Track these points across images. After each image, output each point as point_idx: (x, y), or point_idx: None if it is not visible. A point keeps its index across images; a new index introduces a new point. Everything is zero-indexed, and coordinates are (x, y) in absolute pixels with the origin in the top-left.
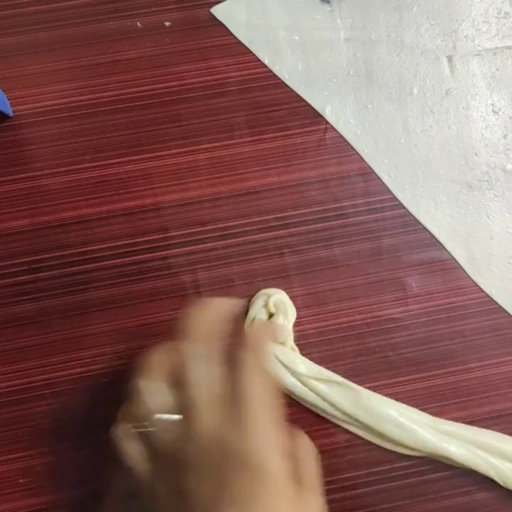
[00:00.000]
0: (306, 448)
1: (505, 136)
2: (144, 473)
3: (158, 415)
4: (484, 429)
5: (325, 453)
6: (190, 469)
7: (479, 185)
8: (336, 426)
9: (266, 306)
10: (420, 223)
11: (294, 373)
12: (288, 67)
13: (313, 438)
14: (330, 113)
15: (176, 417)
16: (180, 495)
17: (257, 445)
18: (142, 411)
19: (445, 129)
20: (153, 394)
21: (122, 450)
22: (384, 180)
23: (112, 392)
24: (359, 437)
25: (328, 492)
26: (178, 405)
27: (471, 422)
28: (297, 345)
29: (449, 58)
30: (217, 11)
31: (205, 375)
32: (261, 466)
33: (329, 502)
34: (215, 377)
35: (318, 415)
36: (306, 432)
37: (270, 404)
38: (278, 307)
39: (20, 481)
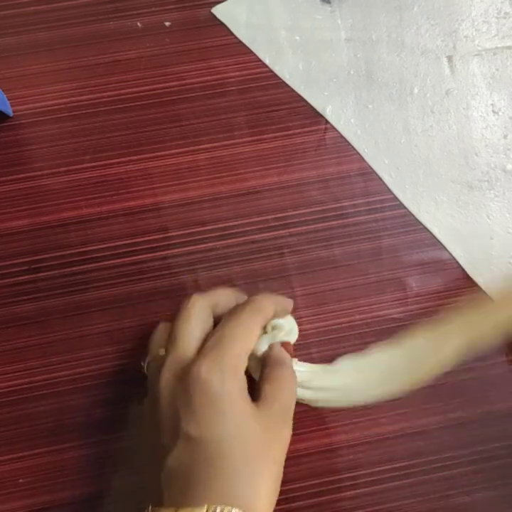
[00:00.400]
0: (288, 378)
1: (505, 136)
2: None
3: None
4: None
5: (325, 453)
6: (161, 389)
7: (480, 185)
8: (336, 426)
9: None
10: (420, 223)
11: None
12: (289, 67)
13: (313, 438)
14: (331, 113)
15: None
16: (155, 417)
17: (211, 367)
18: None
19: (445, 129)
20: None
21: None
22: (385, 180)
23: (112, 392)
24: (359, 437)
25: (328, 492)
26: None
27: (471, 422)
28: (297, 345)
29: (449, 58)
30: (218, 10)
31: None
32: (212, 385)
33: (329, 502)
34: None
35: (317, 415)
36: (306, 432)
37: (245, 342)
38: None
39: (20, 481)
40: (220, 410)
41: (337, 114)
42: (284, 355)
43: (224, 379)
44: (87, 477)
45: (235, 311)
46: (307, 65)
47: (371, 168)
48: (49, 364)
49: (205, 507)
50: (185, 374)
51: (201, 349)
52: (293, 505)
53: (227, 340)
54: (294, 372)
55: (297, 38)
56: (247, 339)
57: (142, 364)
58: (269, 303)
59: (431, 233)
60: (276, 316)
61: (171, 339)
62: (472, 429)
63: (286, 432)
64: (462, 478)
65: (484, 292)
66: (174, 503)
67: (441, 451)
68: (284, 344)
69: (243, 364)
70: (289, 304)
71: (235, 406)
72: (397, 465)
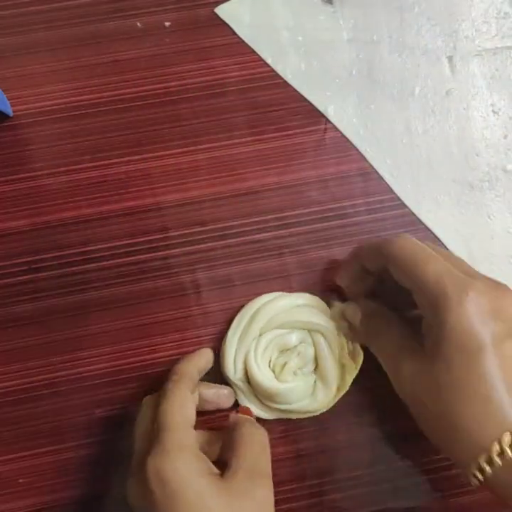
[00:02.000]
0: (248, 437)
1: (505, 136)
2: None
3: None
4: None
5: (325, 452)
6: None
7: (480, 185)
8: (335, 426)
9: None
10: (421, 223)
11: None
12: (291, 68)
13: (312, 438)
14: (333, 113)
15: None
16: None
17: (157, 459)
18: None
19: (446, 129)
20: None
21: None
22: (386, 180)
23: (112, 392)
24: (359, 438)
25: (329, 492)
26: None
27: None
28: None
29: (450, 59)
30: (221, 10)
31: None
32: (164, 475)
33: (330, 502)
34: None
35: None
36: (305, 432)
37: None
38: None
39: (20, 481)
40: (178, 498)
41: (339, 114)
42: (242, 418)
43: (174, 464)
44: (87, 477)
45: (161, 392)
46: (309, 65)
47: (372, 168)
48: (49, 364)
49: None
50: (139, 472)
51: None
52: (294, 505)
53: (161, 426)
54: (258, 430)
55: (300, 38)
56: (178, 413)
57: None
58: (188, 367)
59: (432, 233)
60: (202, 369)
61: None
62: None
63: (260, 493)
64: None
65: None
66: None
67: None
68: (241, 409)
69: (187, 438)
70: (206, 354)
71: (191, 488)
72: (398, 464)
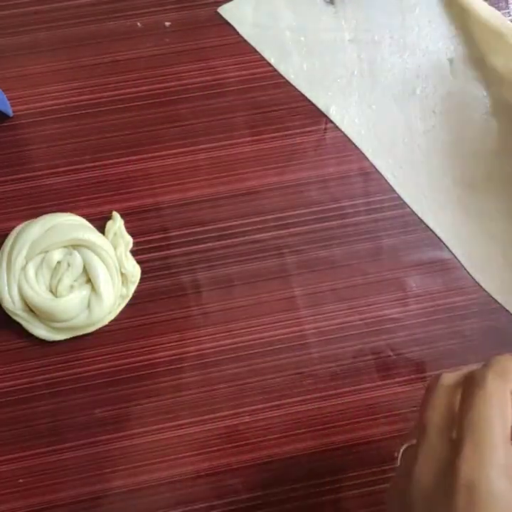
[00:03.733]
0: None
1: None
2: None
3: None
4: None
5: (326, 453)
6: (415, 489)
7: (481, 185)
8: (337, 426)
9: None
10: (421, 223)
11: None
12: (293, 68)
13: (312, 438)
14: (334, 113)
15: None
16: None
17: (484, 469)
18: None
19: (446, 130)
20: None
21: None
22: (388, 180)
23: (112, 392)
24: (359, 438)
25: (331, 492)
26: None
27: None
28: (297, 345)
29: (450, 60)
30: (224, 10)
31: (440, 398)
32: (488, 490)
33: (332, 502)
34: (449, 398)
35: (316, 416)
36: (304, 433)
37: (502, 427)
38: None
39: (20, 481)
40: None
41: (341, 114)
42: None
43: (491, 478)
44: (87, 477)
45: (476, 381)
46: (311, 65)
47: (373, 168)
48: (49, 364)
49: None
50: (446, 472)
51: (456, 438)
52: (294, 505)
53: (482, 427)
54: None
55: (302, 38)
56: (501, 420)
57: (396, 454)
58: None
59: (432, 232)
60: None
61: (420, 427)
62: None
63: None
64: None
65: (485, 290)
66: None
67: None
68: None
69: (504, 454)
70: None
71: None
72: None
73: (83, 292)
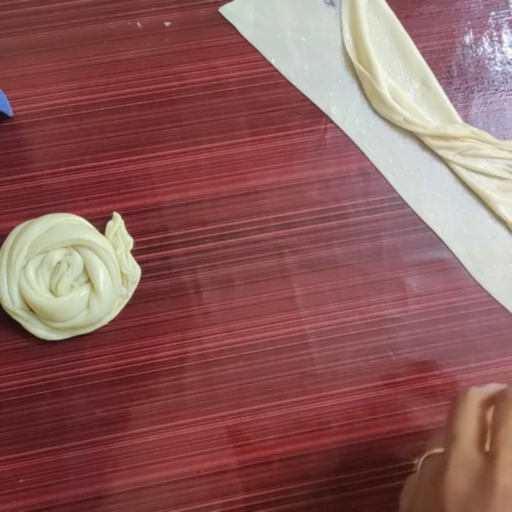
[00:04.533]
0: None
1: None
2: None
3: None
4: None
5: (326, 452)
6: (449, 494)
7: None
8: (337, 426)
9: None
10: (421, 223)
11: None
12: (294, 68)
13: (312, 438)
14: (335, 113)
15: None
16: None
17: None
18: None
19: None
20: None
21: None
22: (388, 180)
23: (112, 392)
24: (359, 438)
25: (329, 492)
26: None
27: None
28: (297, 345)
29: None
30: (225, 10)
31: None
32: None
33: (332, 502)
34: (481, 411)
35: (315, 417)
36: (304, 433)
37: None
38: None
39: (20, 481)
40: None
41: (341, 113)
42: None
43: None
44: (87, 477)
45: (510, 398)
46: (312, 65)
47: (373, 167)
48: (49, 364)
49: None
50: (483, 480)
51: (491, 449)
52: (294, 505)
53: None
54: None
55: (303, 38)
56: None
57: (415, 462)
58: None
59: (432, 232)
60: None
61: (449, 437)
62: None
63: None
64: None
65: (485, 290)
66: None
67: None
68: None
69: None
70: None
71: None
72: (398, 465)
73: (83, 292)
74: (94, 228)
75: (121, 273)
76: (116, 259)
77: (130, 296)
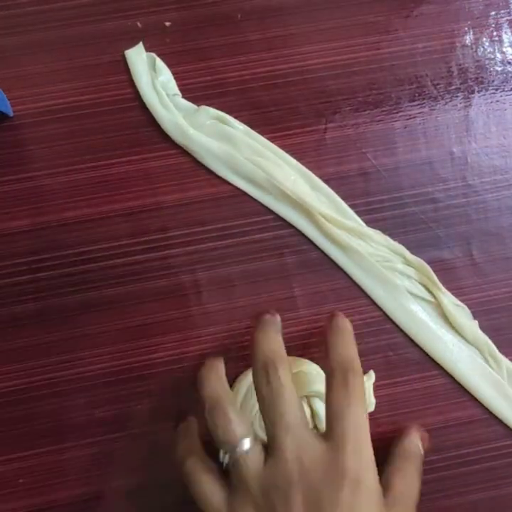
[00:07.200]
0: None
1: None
2: (220, 504)
3: (247, 440)
4: None
5: None
6: (290, 489)
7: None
8: None
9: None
10: (422, 222)
11: None
12: None
13: None
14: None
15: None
16: None
17: (356, 462)
18: (226, 436)
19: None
20: (238, 417)
21: (195, 485)
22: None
23: (112, 392)
24: None
25: None
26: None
27: (472, 422)
28: (297, 345)
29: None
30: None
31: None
32: (360, 481)
33: None
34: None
35: None
36: None
37: (365, 423)
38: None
39: (20, 481)
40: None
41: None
42: (417, 449)
43: (371, 475)
44: (87, 477)
45: (341, 383)
46: None
47: (374, 168)
48: (49, 364)
49: None
50: (334, 472)
51: (331, 435)
52: None
53: (360, 426)
54: (421, 467)
55: None
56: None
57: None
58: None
59: (432, 232)
60: None
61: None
62: (472, 429)
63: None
64: (461, 478)
65: (485, 290)
66: None
67: (440, 451)
68: (423, 437)
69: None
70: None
71: (374, 499)
72: None
73: None
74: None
75: None
76: None
77: None
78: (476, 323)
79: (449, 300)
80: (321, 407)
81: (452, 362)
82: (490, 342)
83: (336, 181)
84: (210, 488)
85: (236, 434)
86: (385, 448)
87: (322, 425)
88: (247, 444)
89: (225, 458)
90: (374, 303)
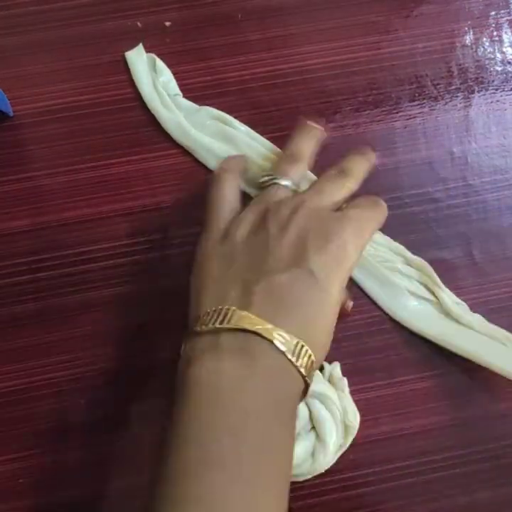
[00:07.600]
0: None
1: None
2: (232, 213)
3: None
4: None
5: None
6: (289, 224)
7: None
8: None
9: None
10: (422, 222)
11: None
12: None
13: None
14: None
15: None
16: (262, 243)
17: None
18: (285, 164)
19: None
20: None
21: (218, 185)
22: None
23: (112, 392)
24: (359, 437)
25: (328, 492)
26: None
27: (472, 422)
28: None
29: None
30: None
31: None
32: (325, 288)
33: (329, 502)
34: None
35: None
36: None
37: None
38: None
39: (20, 481)
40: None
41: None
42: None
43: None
44: (87, 477)
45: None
46: None
47: (376, 167)
48: (49, 364)
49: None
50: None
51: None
52: (296, 504)
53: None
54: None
55: None
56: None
57: None
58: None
59: (433, 232)
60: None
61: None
62: (472, 429)
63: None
64: (462, 478)
65: (485, 290)
66: (266, 317)
67: (441, 451)
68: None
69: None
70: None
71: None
72: (398, 465)
73: (311, 440)
74: (320, 375)
75: (345, 424)
76: (342, 411)
77: (347, 446)
78: (479, 316)
79: (450, 298)
80: (319, 409)
81: (473, 350)
82: (503, 330)
83: None
84: (230, 192)
85: (292, 169)
86: (385, 448)
87: (321, 426)
88: (289, 182)
89: (264, 178)
90: (374, 303)
